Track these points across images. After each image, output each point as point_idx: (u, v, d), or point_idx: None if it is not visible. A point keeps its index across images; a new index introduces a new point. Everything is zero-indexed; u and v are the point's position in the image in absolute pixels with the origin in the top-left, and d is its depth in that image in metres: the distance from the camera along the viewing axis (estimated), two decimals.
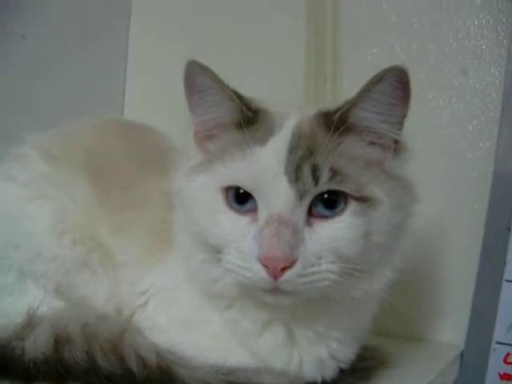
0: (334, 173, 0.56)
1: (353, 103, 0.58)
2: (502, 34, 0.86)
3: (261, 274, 0.54)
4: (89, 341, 0.67)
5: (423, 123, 0.92)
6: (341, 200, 0.56)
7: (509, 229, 0.83)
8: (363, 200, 0.57)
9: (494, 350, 0.84)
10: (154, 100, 1.26)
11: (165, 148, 0.82)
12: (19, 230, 0.75)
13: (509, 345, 0.83)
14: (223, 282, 0.62)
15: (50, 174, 0.77)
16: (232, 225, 0.58)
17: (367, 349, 0.75)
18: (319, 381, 0.66)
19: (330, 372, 0.67)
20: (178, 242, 0.68)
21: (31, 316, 0.73)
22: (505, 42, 0.86)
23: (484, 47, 0.88)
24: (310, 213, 0.56)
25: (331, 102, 0.98)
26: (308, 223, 0.56)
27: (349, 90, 0.97)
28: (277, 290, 0.55)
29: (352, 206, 0.56)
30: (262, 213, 0.56)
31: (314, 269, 0.55)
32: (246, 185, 0.57)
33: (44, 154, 0.79)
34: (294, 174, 0.55)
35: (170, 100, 1.21)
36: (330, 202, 0.56)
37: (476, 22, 0.88)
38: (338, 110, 0.59)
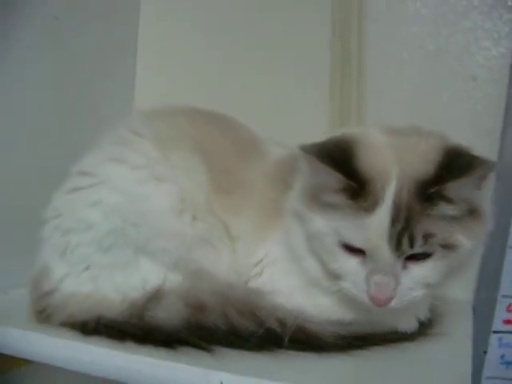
0: (426, 237, 0.65)
1: (449, 180, 0.64)
2: (505, 49, 1.03)
3: (370, 302, 0.68)
4: (224, 306, 0.73)
5: (438, 121, 1.03)
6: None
7: None
8: (447, 247, 0.67)
9: (500, 302, 1.00)
10: (165, 87, 1.28)
11: (250, 135, 0.89)
12: (137, 210, 0.76)
13: (510, 297, 1.01)
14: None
15: (166, 157, 0.79)
16: (347, 264, 0.69)
17: None
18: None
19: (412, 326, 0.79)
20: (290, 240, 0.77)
21: (156, 289, 0.76)
22: (507, 56, 1.02)
23: (492, 59, 1.04)
24: (405, 257, 0.67)
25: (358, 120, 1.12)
26: (404, 267, 0.67)
27: (372, 88, 1.12)
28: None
29: (438, 252, 0.66)
30: (370, 262, 0.67)
31: (407, 297, 0.68)
32: (358, 244, 0.67)
33: (156, 139, 0.80)
34: (395, 243, 0.65)
35: (182, 88, 1.27)
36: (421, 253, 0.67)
37: (485, 38, 1.04)
38: (433, 181, 0.65)
